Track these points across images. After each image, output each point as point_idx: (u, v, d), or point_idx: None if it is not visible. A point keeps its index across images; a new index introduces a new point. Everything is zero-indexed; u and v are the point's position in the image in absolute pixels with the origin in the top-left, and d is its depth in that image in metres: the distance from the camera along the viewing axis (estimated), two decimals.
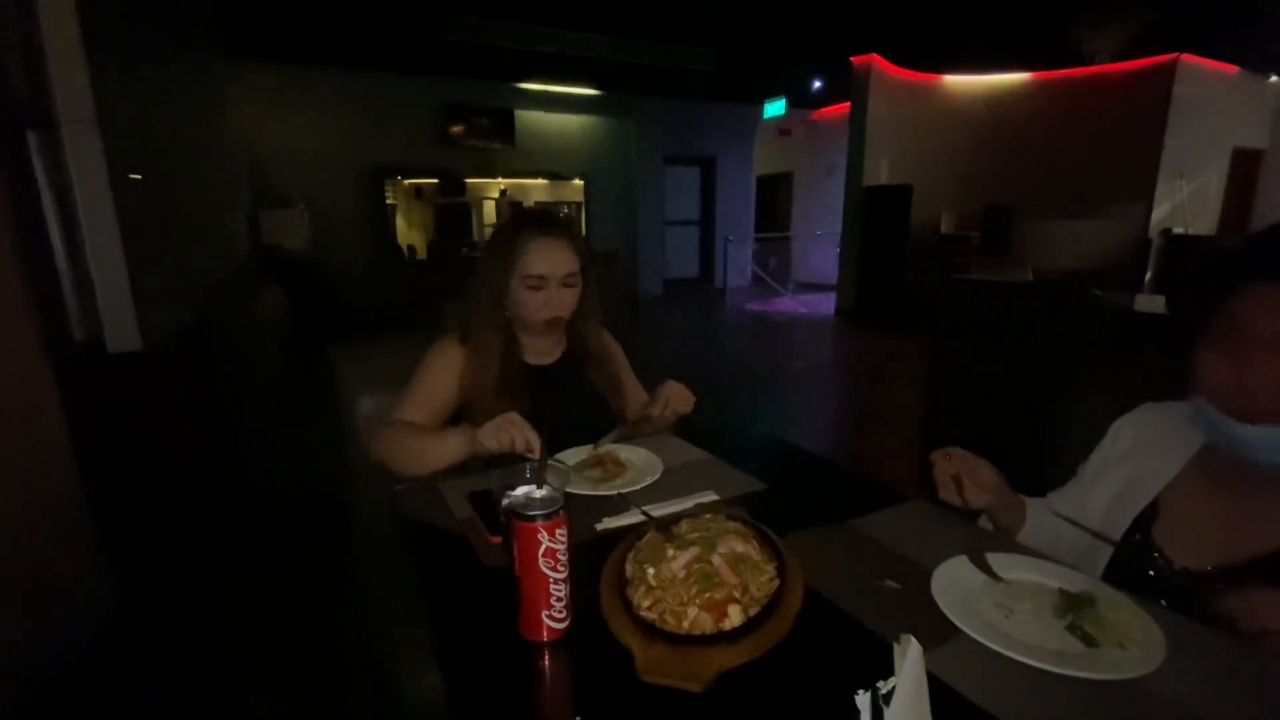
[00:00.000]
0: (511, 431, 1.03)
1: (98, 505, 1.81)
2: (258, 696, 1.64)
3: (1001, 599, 0.72)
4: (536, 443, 1.02)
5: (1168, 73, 6.29)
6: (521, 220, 1.30)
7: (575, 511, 0.92)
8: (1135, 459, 0.89)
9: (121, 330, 1.92)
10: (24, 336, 1.62)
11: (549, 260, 1.24)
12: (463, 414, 1.27)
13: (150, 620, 1.87)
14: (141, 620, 1.86)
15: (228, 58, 5.24)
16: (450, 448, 1.11)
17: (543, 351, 1.36)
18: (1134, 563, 0.81)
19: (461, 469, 1.15)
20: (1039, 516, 0.96)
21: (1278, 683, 0.59)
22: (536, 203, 9.00)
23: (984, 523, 0.98)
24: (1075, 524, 0.88)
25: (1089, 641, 0.64)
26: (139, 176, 2.27)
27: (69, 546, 1.73)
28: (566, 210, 9.13)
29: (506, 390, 1.23)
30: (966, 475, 0.89)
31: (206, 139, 4.02)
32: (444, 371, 1.27)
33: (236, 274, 4.39)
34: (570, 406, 1.32)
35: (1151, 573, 0.79)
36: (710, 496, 1.01)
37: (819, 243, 9.69)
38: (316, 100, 6.77)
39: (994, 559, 0.78)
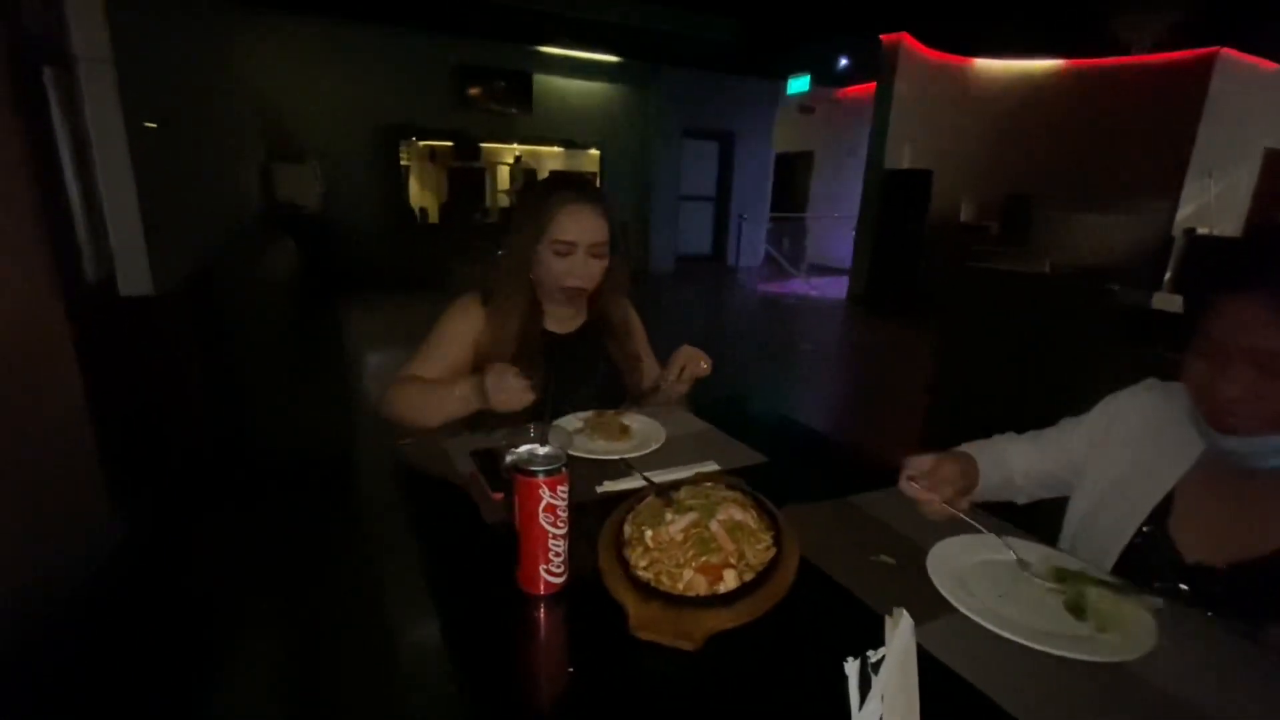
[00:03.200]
0: (507, 394, 1.04)
1: (106, 443, 1.84)
2: (257, 636, 1.68)
3: (996, 579, 0.72)
4: (528, 400, 1.04)
5: (1206, 66, 6.10)
6: (556, 182, 1.28)
7: (578, 474, 0.93)
8: (1145, 444, 0.87)
9: (134, 273, 1.93)
10: (38, 275, 1.63)
11: (580, 226, 1.22)
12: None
13: (152, 559, 1.91)
14: (144, 559, 1.90)
15: (245, 7, 5.16)
16: (456, 398, 1.11)
17: (563, 320, 1.35)
18: (1146, 555, 0.81)
19: (469, 426, 1.15)
20: (986, 463, 0.94)
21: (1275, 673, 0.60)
22: (552, 171, 8.92)
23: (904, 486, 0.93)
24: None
25: (1080, 616, 0.65)
26: (154, 125, 2.25)
27: (77, 482, 1.77)
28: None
29: (522, 355, 1.22)
30: (941, 486, 0.84)
31: (221, 89, 3.98)
32: (461, 329, 1.26)
33: (248, 226, 4.39)
34: (584, 377, 1.32)
35: (1159, 564, 0.79)
36: (711, 466, 1.01)
37: (835, 225, 9.57)
38: (333, 55, 6.68)
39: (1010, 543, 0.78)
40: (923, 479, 0.85)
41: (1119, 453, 0.89)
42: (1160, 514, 0.82)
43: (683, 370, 1.25)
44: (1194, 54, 6.13)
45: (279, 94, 6.32)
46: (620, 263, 1.33)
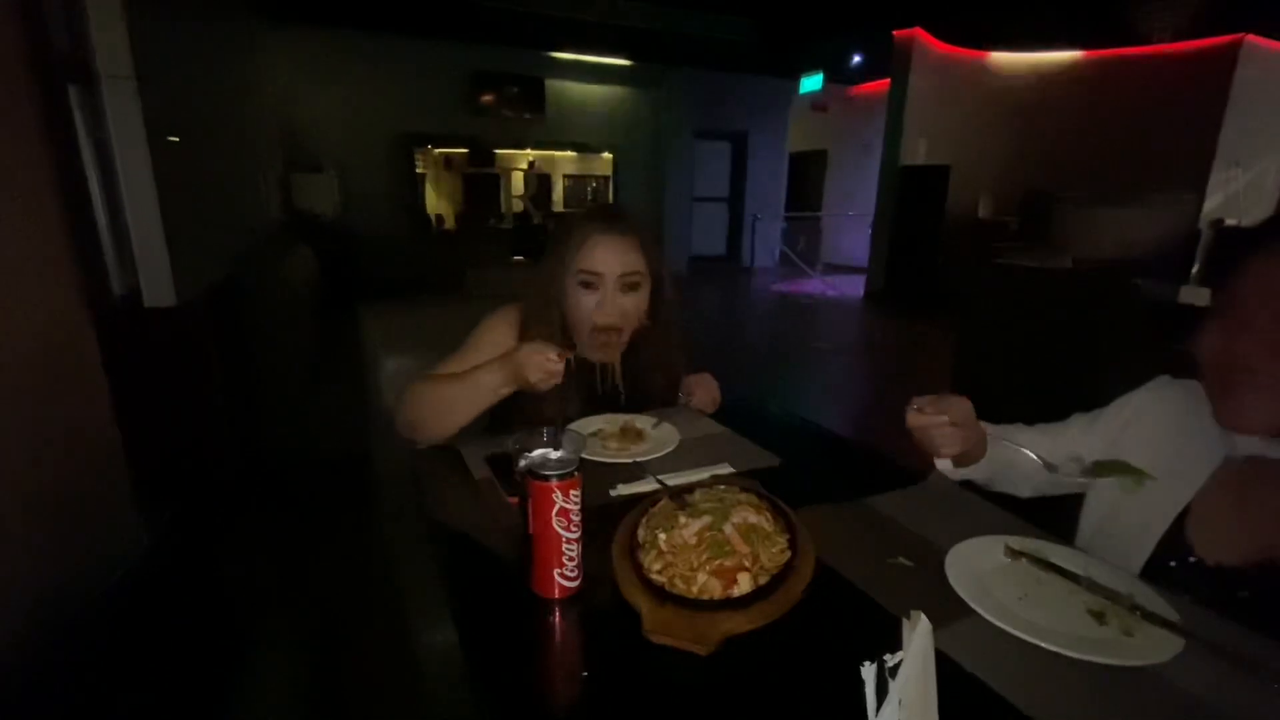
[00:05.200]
0: (539, 369, 1.00)
1: (132, 451, 1.88)
2: (278, 640, 1.71)
3: (1018, 581, 0.71)
4: (560, 366, 1.00)
5: (1230, 54, 5.95)
6: (588, 213, 1.21)
7: (592, 478, 0.93)
8: (1164, 446, 0.85)
9: (158, 286, 1.97)
10: (66, 288, 1.68)
11: (606, 256, 1.14)
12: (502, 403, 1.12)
13: (179, 562, 1.95)
14: (170, 562, 1.94)
15: (262, 21, 5.26)
16: (483, 383, 1.05)
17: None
18: (1166, 559, 0.79)
19: (484, 429, 1.14)
20: (995, 445, 0.94)
21: None
22: (565, 175, 8.95)
23: (941, 465, 0.96)
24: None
25: (1102, 621, 0.63)
26: (176, 139, 2.31)
27: (104, 490, 1.81)
28: (595, 185, 9.07)
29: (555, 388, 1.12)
30: (943, 412, 0.86)
31: (241, 101, 4.06)
32: (499, 337, 1.19)
33: (268, 236, 4.46)
34: (611, 403, 1.25)
35: (1174, 565, 0.77)
36: (726, 469, 1.01)
37: (850, 223, 9.50)
38: (349, 66, 6.78)
39: (1012, 542, 0.76)
40: (929, 406, 0.86)
41: (1137, 455, 0.87)
42: (1179, 516, 0.80)
43: (689, 401, 1.24)
44: (1217, 42, 5.99)
45: (297, 104, 6.44)
46: (665, 307, 1.24)
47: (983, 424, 0.95)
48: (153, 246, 1.96)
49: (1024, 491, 0.99)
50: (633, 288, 1.17)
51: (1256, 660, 0.58)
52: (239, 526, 2.15)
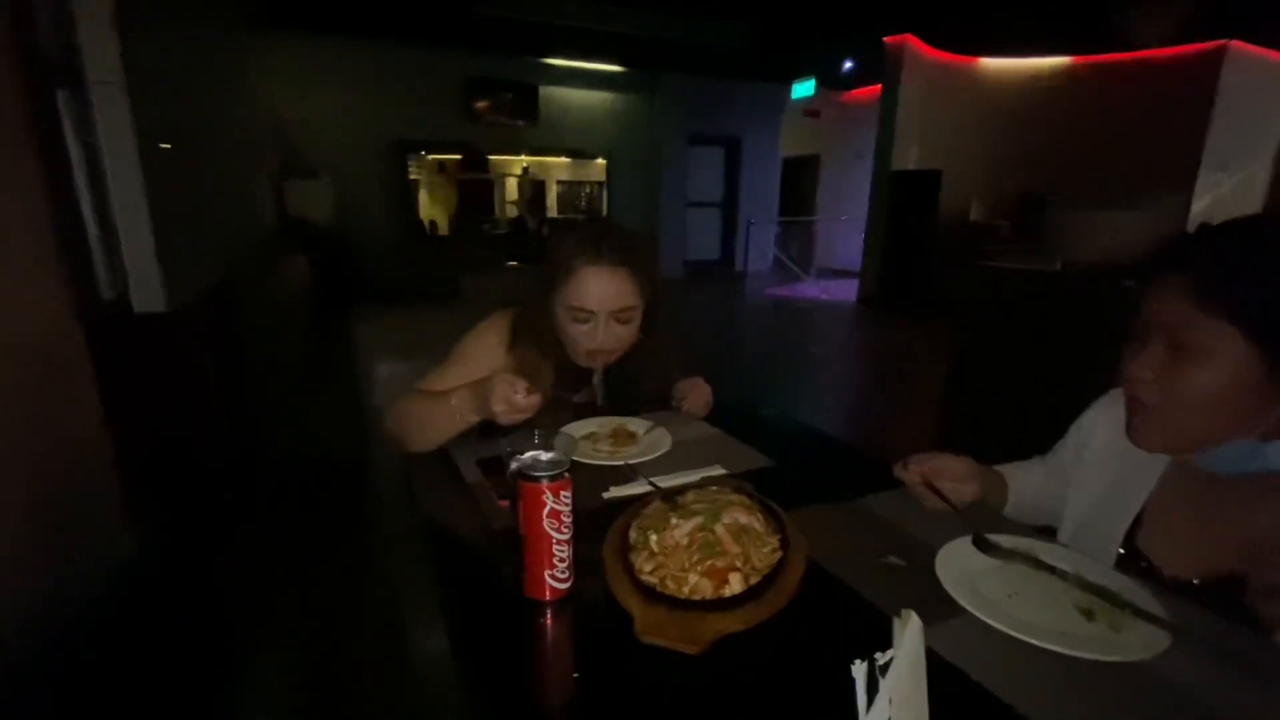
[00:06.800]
0: (509, 405, 0.96)
1: (122, 458, 1.86)
2: (270, 645, 1.69)
3: (1007, 579, 0.71)
4: (531, 401, 0.97)
5: (1216, 60, 6.03)
6: (575, 242, 1.14)
7: (585, 481, 0.93)
8: (1114, 462, 0.85)
9: (147, 291, 1.96)
10: (55, 294, 1.67)
11: (599, 293, 1.11)
12: None
13: (169, 570, 1.93)
14: (161, 570, 1.92)
15: (256, 28, 5.26)
16: (449, 411, 1.02)
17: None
18: (1129, 569, 0.80)
19: (479, 430, 1.13)
20: (1018, 487, 0.96)
21: None
22: (559, 181, 8.97)
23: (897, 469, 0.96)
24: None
25: (1091, 618, 0.64)
26: (168, 146, 2.30)
27: (93, 497, 1.80)
28: (589, 191, 9.09)
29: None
30: (935, 476, 0.86)
31: (234, 108, 4.06)
32: (489, 346, 1.18)
33: (262, 242, 4.45)
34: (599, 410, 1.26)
35: (1144, 579, 0.78)
36: (718, 470, 1.01)
37: (843, 228, 9.55)
38: (343, 73, 6.79)
39: (1003, 540, 0.77)
40: (917, 464, 0.87)
41: (1092, 473, 0.88)
42: (1130, 529, 0.81)
43: (681, 407, 1.22)
44: (1203, 47, 6.07)
45: (291, 110, 6.44)
46: (658, 335, 1.24)
47: (1007, 466, 0.97)
48: (142, 252, 1.95)
49: (1059, 525, 0.96)
50: (625, 320, 1.16)
51: (1242, 654, 0.58)
52: (232, 532, 2.14)
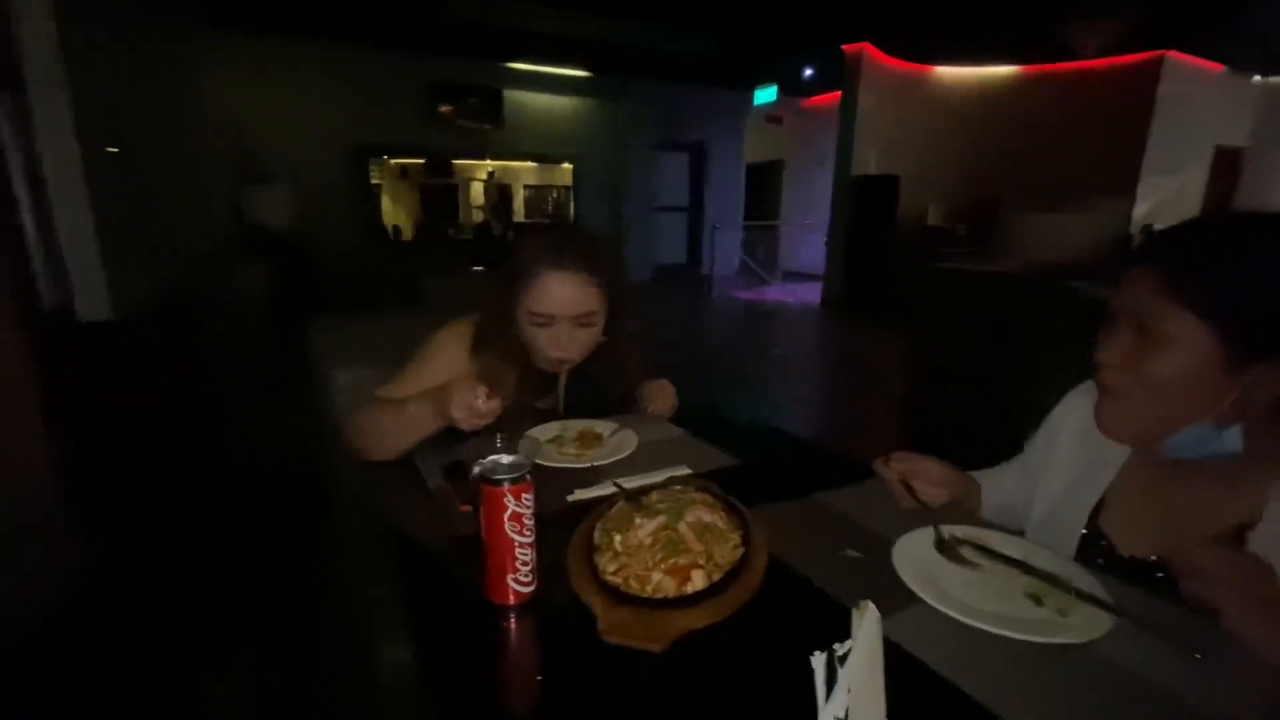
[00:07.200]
0: (469, 412, 0.96)
1: (70, 472, 1.79)
2: (229, 658, 1.64)
3: (961, 568, 0.73)
4: (491, 406, 0.96)
5: (1153, 69, 6.34)
6: (537, 247, 1.14)
7: (550, 484, 0.93)
8: (1082, 450, 0.89)
9: (92, 299, 1.89)
10: None
11: (559, 298, 1.11)
12: None
13: (117, 586, 1.85)
14: (106, 586, 1.84)
15: (212, 29, 5.12)
16: (409, 418, 1.02)
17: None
18: (1091, 552, 0.83)
19: (442, 435, 1.12)
20: (990, 491, 0.99)
21: (1226, 645, 0.61)
22: (526, 186, 8.92)
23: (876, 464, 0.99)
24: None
25: (1040, 603, 0.66)
26: (116, 149, 2.22)
27: (35, 511, 1.71)
28: (556, 196, 9.06)
29: (506, 388, 1.12)
30: (912, 476, 0.89)
31: (190, 112, 3.94)
32: (450, 354, 1.17)
33: (218, 249, 4.33)
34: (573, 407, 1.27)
35: (1101, 561, 0.81)
36: (683, 470, 1.01)
37: (807, 232, 9.71)
38: (302, 75, 6.65)
39: (958, 531, 0.79)
40: (897, 462, 0.89)
41: (1063, 460, 0.92)
42: (1093, 511, 0.84)
43: (646, 408, 1.23)
44: (1141, 57, 6.37)
45: (249, 115, 6.27)
46: (622, 340, 1.24)
47: (980, 471, 1.00)
48: (86, 258, 1.87)
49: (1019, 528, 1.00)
50: (587, 324, 1.16)
51: (1180, 633, 0.61)
52: (187, 545, 2.06)
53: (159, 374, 2.10)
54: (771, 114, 9.85)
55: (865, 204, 7.31)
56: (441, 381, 1.04)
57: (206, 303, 3.24)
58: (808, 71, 8.17)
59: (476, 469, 0.70)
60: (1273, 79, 7.16)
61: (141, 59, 2.90)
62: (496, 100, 7.77)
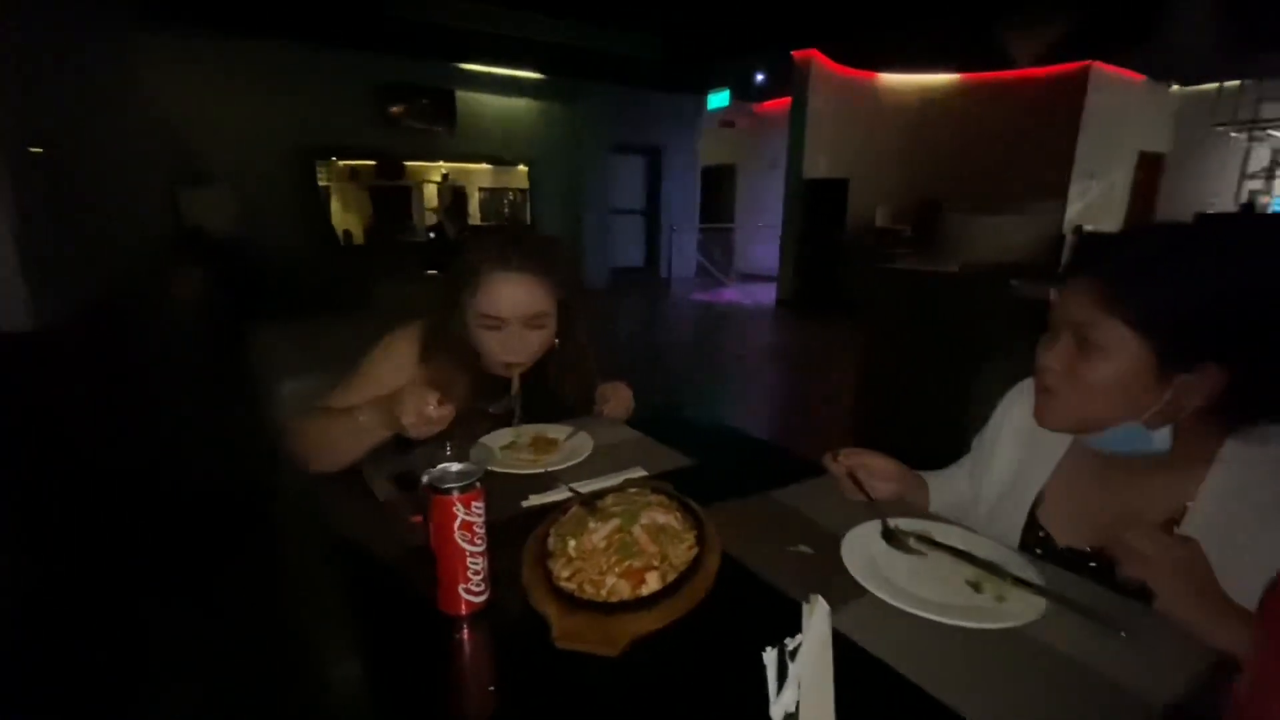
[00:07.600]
0: (419, 419, 0.93)
1: None
2: (173, 677, 1.56)
3: (906, 559, 0.76)
4: (443, 412, 0.94)
5: (1081, 79, 6.69)
6: (483, 248, 1.12)
7: (503, 490, 0.92)
8: (1023, 444, 0.94)
9: (11, 308, 1.77)
10: None
11: (509, 300, 1.10)
12: None
13: (47, 607, 1.75)
14: (37, 607, 1.73)
15: (150, 27, 4.88)
16: (358, 427, 0.98)
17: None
18: (1031, 542, 0.87)
19: (391, 444, 1.09)
20: (940, 491, 1.02)
21: (1149, 624, 0.65)
22: (481, 188, 8.80)
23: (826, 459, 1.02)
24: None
25: (979, 589, 0.69)
26: (39, 150, 2.09)
27: None
28: (512, 198, 8.96)
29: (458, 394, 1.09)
30: (860, 471, 0.92)
31: (124, 112, 3.74)
32: (399, 363, 1.14)
33: (153, 254, 4.12)
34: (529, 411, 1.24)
35: (1039, 551, 0.85)
36: (639, 472, 1.02)
37: (761, 234, 9.87)
38: (244, 74, 6.39)
39: (902, 523, 0.82)
40: (845, 457, 0.92)
41: (1005, 455, 0.96)
42: (1035, 505, 0.89)
43: (602, 411, 1.23)
44: (1070, 67, 6.72)
45: (187, 114, 5.99)
46: (573, 339, 1.23)
47: (929, 473, 1.03)
48: (4, 265, 1.76)
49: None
50: (538, 326, 1.15)
51: (1107, 614, 0.65)
52: (124, 563, 1.95)
53: (86, 386, 1.99)
54: (725, 118, 9.98)
55: (816, 206, 7.49)
56: (390, 388, 1.00)
57: (141, 311, 3.08)
58: (759, 77, 8.32)
59: (425, 478, 0.68)
60: (1190, 88, 7.66)
61: (72, 57, 2.75)
62: (449, 101, 7.64)
